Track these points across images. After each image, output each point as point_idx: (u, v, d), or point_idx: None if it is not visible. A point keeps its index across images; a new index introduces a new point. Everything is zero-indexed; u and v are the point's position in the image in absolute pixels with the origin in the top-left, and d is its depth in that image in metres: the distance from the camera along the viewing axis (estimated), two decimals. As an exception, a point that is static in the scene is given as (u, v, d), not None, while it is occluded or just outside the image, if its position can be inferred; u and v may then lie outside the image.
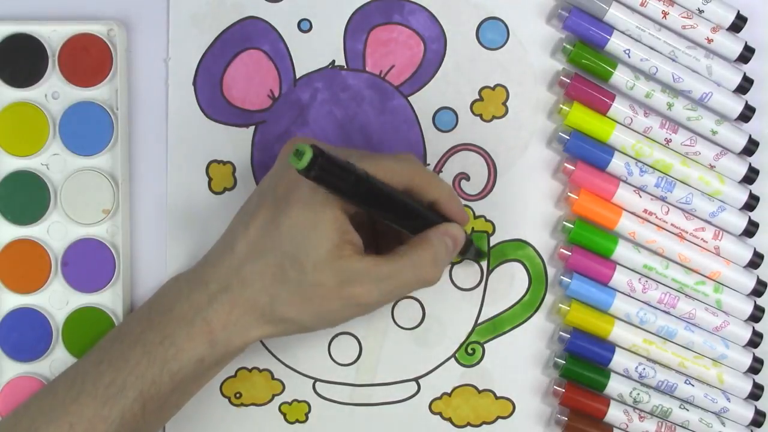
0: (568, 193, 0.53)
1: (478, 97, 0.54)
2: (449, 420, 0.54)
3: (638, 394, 0.52)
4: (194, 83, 0.54)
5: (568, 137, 0.52)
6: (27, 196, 0.53)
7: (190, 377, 0.45)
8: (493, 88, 0.54)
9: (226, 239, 0.48)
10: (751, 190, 0.54)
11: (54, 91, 0.53)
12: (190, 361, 0.45)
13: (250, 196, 0.49)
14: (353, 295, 0.45)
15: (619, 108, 0.52)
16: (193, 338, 0.45)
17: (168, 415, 0.47)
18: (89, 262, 0.53)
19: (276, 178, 0.47)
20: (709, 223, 0.53)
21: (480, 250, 0.53)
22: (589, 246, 0.53)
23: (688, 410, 0.53)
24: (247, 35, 0.54)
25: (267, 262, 0.45)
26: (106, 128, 0.53)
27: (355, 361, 0.54)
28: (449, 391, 0.54)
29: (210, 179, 0.54)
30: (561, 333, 0.53)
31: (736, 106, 0.53)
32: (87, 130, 0.53)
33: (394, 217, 0.46)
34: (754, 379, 0.54)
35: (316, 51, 0.54)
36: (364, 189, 0.42)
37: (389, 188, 0.44)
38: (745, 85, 0.53)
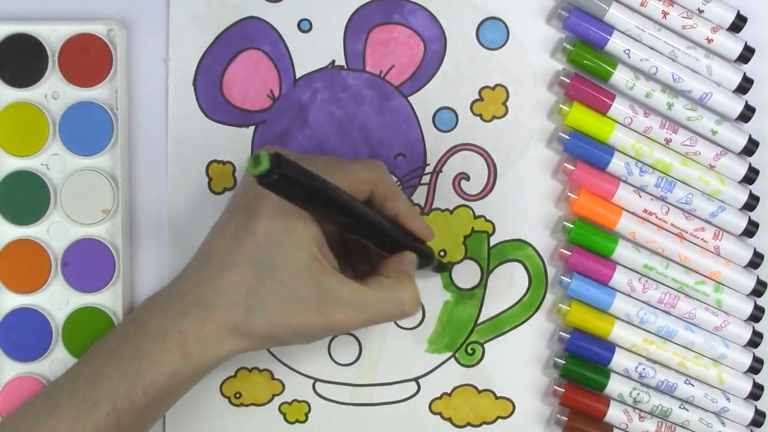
0: (568, 193, 0.53)
1: (478, 97, 0.54)
2: (449, 420, 0.54)
3: (638, 394, 0.52)
4: (194, 83, 0.54)
5: (568, 137, 0.52)
6: (27, 196, 0.53)
7: (164, 391, 0.45)
8: (493, 88, 0.54)
9: (201, 252, 0.48)
10: (751, 190, 0.54)
11: (54, 91, 0.53)
12: (163, 374, 0.44)
13: (224, 210, 0.49)
14: (335, 320, 0.44)
15: (619, 108, 0.52)
16: (167, 351, 0.44)
17: (144, 428, 0.47)
18: (89, 262, 0.53)
19: (245, 187, 0.47)
20: (709, 223, 0.53)
21: (442, 263, 0.53)
22: (589, 246, 0.53)
23: (688, 410, 0.53)
24: (247, 35, 0.54)
25: (241, 272, 0.44)
26: (106, 128, 0.53)
27: (355, 361, 0.54)
28: (449, 391, 0.54)
29: (210, 179, 0.54)
30: (561, 333, 0.53)
31: (736, 106, 0.53)
32: (87, 130, 0.53)
33: (358, 230, 0.45)
34: (754, 379, 0.54)
35: (316, 51, 0.54)
36: (323, 198, 0.41)
37: (349, 198, 0.43)
38: (745, 85, 0.53)
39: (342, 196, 0.42)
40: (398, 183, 0.54)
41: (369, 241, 0.46)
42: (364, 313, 0.45)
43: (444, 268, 0.53)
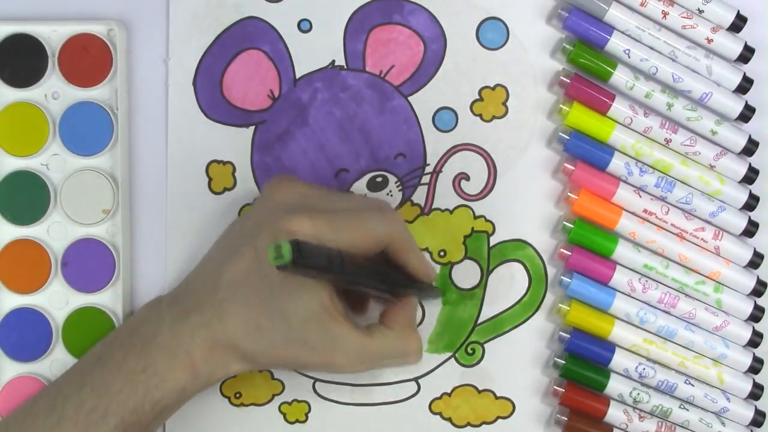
0: (568, 193, 0.53)
1: (478, 97, 0.54)
2: (449, 420, 0.54)
3: (638, 394, 0.52)
4: (194, 83, 0.54)
5: (568, 137, 0.52)
6: (27, 196, 0.53)
7: (171, 405, 0.46)
8: (493, 88, 0.54)
9: (208, 269, 0.48)
10: (751, 190, 0.54)
11: (54, 91, 0.53)
12: (173, 391, 0.45)
13: (233, 226, 0.50)
14: (338, 365, 0.46)
15: (619, 108, 0.52)
16: (175, 369, 0.45)
17: None
18: (89, 262, 0.53)
19: (259, 222, 0.46)
20: (709, 223, 0.53)
21: (438, 290, 0.53)
22: (589, 246, 0.53)
23: (688, 410, 0.53)
24: (247, 35, 0.54)
25: (253, 311, 0.45)
26: (106, 128, 0.53)
27: (355, 361, 0.54)
28: (449, 391, 0.54)
29: (210, 179, 0.54)
30: (561, 333, 0.53)
31: (736, 106, 0.53)
32: (87, 130, 0.53)
33: (366, 287, 0.46)
34: (754, 379, 0.54)
35: (316, 51, 0.54)
36: (338, 274, 0.42)
37: (362, 269, 0.44)
38: (745, 85, 0.53)
39: (356, 272, 0.43)
40: (398, 183, 0.54)
41: (374, 291, 0.48)
42: (367, 361, 0.47)
43: (439, 294, 0.54)
